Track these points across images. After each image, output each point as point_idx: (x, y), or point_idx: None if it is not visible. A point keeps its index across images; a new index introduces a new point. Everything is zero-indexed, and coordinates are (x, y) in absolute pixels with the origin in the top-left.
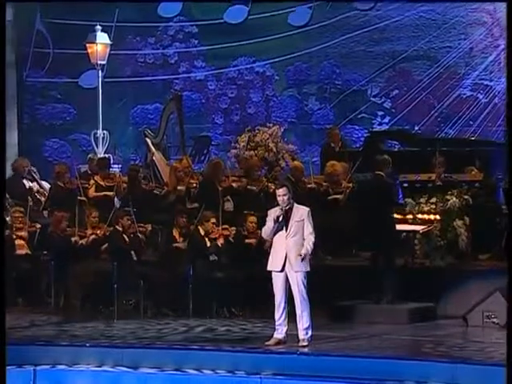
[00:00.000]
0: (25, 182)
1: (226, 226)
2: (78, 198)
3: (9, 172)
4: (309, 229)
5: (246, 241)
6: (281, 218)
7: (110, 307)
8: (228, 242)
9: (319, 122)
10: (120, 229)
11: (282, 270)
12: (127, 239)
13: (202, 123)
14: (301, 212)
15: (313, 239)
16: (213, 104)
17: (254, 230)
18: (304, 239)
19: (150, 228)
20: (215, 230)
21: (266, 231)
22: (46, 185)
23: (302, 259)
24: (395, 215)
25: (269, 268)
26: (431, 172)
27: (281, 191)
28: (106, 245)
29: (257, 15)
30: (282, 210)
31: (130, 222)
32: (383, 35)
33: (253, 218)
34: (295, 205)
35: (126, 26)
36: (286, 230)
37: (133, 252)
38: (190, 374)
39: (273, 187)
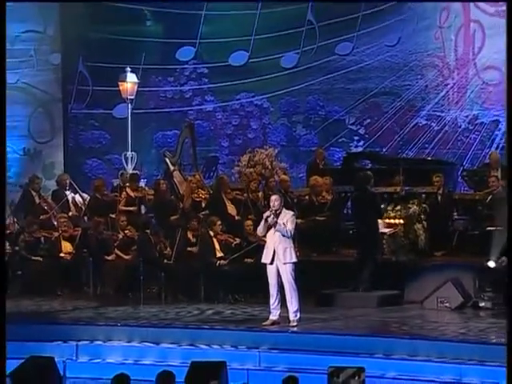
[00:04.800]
0: (67, 193)
1: (231, 235)
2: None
3: (54, 186)
4: (288, 225)
5: (246, 240)
6: (270, 219)
7: (137, 294)
8: (231, 243)
9: (305, 145)
10: (148, 231)
11: (272, 262)
12: (152, 240)
13: (210, 146)
14: (286, 215)
15: (289, 229)
16: (220, 130)
17: (250, 232)
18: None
19: (169, 230)
20: (221, 232)
21: (259, 229)
22: (86, 196)
23: (275, 226)
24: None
25: (262, 261)
26: (396, 185)
27: (273, 198)
28: (135, 246)
29: (255, 59)
30: (271, 211)
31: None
32: (358, 75)
33: (249, 222)
34: (284, 209)
35: (151, 67)
36: (275, 227)
37: (156, 250)
38: (202, 349)
39: (268, 196)
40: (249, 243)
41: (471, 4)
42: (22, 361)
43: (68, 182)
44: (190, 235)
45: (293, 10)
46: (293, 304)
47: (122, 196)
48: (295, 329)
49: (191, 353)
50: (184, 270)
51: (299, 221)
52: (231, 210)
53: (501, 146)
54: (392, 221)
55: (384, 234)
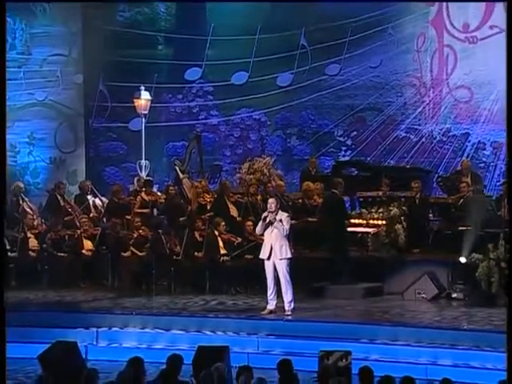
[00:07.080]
0: (88, 197)
1: (233, 235)
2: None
3: (76, 190)
4: (284, 225)
5: (246, 239)
6: (268, 219)
7: (150, 287)
8: (233, 241)
9: (299, 154)
10: (159, 231)
11: (269, 258)
12: (164, 239)
13: (215, 155)
14: (282, 215)
15: (286, 228)
16: (223, 142)
17: (251, 231)
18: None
19: (179, 230)
20: (225, 232)
21: (257, 229)
22: (105, 199)
23: (272, 224)
24: (354, 221)
25: (260, 257)
26: (379, 190)
27: (270, 200)
28: (148, 244)
29: (254, 78)
30: (268, 212)
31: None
32: (345, 93)
33: (249, 223)
34: (279, 211)
35: (162, 86)
36: (272, 226)
37: (167, 247)
38: (207, 335)
39: (266, 199)
40: (249, 242)
41: (444, 31)
42: (49, 345)
43: (89, 187)
44: (196, 235)
45: (288, 36)
46: (288, 295)
47: (137, 200)
48: (290, 317)
49: (198, 338)
50: (191, 265)
51: (293, 221)
52: (233, 211)
53: (470, 155)
54: (375, 222)
55: (369, 233)
